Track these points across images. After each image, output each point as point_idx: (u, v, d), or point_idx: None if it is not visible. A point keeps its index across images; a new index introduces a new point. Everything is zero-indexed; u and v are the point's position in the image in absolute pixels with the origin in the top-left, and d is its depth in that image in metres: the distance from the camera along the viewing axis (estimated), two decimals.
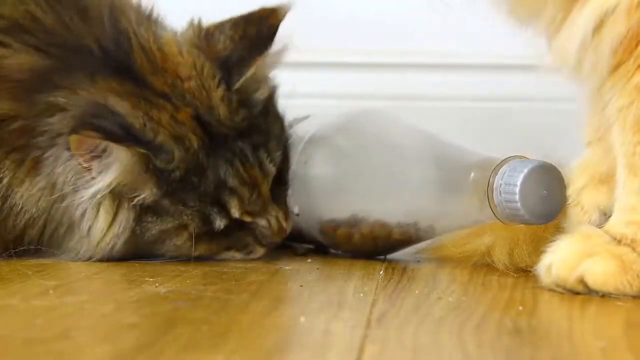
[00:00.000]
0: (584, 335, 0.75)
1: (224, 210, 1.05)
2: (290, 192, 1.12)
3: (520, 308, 0.84)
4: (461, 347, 0.70)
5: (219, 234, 1.06)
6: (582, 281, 0.86)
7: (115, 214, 1.03)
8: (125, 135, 1.00)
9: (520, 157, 0.98)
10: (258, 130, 1.08)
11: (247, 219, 1.07)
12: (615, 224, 0.87)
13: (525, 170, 0.96)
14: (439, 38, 1.43)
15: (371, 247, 1.10)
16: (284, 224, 1.09)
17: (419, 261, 1.10)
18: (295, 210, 1.12)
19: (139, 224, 1.03)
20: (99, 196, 1.01)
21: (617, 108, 0.84)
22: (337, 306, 0.84)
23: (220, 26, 1.09)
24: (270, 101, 1.11)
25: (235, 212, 1.05)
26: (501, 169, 0.97)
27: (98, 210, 1.02)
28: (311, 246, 1.17)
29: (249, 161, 1.06)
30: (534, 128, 1.37)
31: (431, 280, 0.98)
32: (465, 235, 1.06)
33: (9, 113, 1.03)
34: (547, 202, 0.96)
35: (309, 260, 1.10)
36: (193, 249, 1.05)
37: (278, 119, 1.12)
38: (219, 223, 1.05)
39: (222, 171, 1.05)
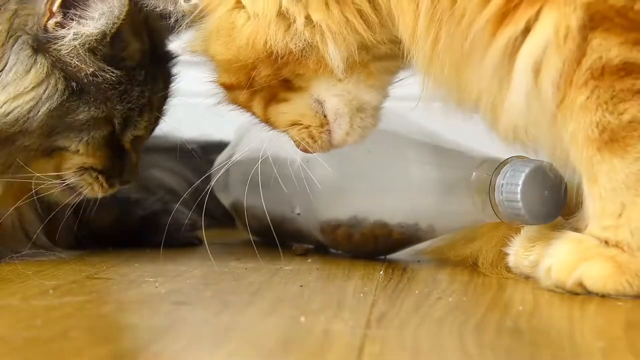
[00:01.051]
0: (584, 335, 0.75)
1: (135, 123, 1.03)
2: (291, 191, 1.12)
3: (520, 308, 0.84)
4: (461, 347, 0.70)
5: (110, 150, 1.03)
6: (581, 284, 0.86)
7: (47, 77, 0.97)
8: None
9: (522, 157, 0.99)
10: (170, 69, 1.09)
11: (128, 146, 1.05)
12: (593, 230, 0.88)
13: (527, 170, 0.96)
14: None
15: (372, 247, 1.10)
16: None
17: (419, 261, 1.10)
18: (296, 209, 1.12)
19: (68, 101, 0.98)
20: (78, 42, 0.97)
21: (569, 133, 0.86)
22: (337, 306, 0.84)
23: None
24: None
25: (140, 129, 1.04)
26: (503, 169, 0.98)
27: (30, 67, 0.97)
28: (311, 246, 1.17)
29: (166, 89, 1.07)
30: None
31: (431, 281, 0.98)
32: (460, 238, 1.06)
33: None
34: (549, 203, 0.96)
35: (309, 260, 1.10)
36: (92, 154, 1.01)
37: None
38: (130, 132, 1.03)
39: (156, 84, 1.05)
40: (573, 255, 0.87)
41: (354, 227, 1.09)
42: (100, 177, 1.04)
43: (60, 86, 0.98)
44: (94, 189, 1.05)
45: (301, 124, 0.97)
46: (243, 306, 0.84)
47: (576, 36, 0.83)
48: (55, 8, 0.97)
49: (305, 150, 0.98)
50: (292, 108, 0.96)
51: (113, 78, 1.00)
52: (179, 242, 1.18)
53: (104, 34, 0.98)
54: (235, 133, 1.24)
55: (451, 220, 1.04)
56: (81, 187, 1.04)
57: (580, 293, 0.87)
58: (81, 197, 1.05)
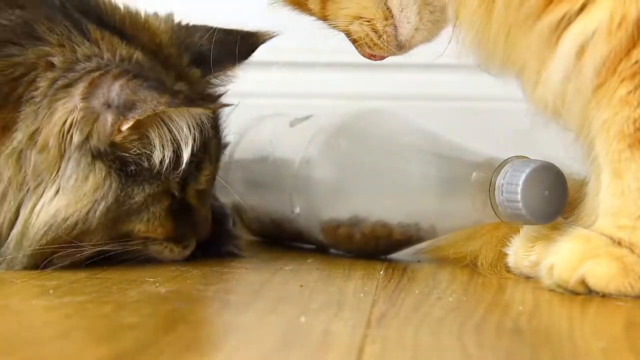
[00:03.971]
0: (585, 336, 0.75)
1: (196, 178, 1.02)
2: (291, 191, 1.12)
3: (520, 308, 0.84)
4: (461, 347, 0.70)
5: (175, 216, 1.02)
6: (583, 282, 0.86)
7: (104, 177, 0.97)
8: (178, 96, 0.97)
9: (522, 157, 0.99)
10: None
11: (194, 201, 1.04)
12: (605, 227, 0.87)
13: (527, 170, 0.96)
14: (439, 38, 1.43)
15: (373, 247, 1.10)
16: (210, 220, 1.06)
17: (419, 261, 1.10)
18: (297, 209, 1.12)
19: (124, 189, 0.98)
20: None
21: (602, 121, 0.85)
22: (337, 306, 0.84)
23: (194, 26, 1.08)
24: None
25: (202, 183, 1.03)
26: (503, 169, 0.98)
27: (89, 173, 0.97)
28: (312, 246, 1.17)
29: (219, 138, 1.06)
30: (529, 128, 1.37)
31: (431, 280, 0.98)
32: (460, 237, 1.06)
33: None
34: (549, 202, 0.96)
35: (309, 260, 1.10)
36: (159, 225, 1.01)
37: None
38: (192, 189, 1.02)
39: (211, 139, 1.04)
40: (578, 253, 0.87)
41: (354, 227, 1.09)
42: (168, 244, 1.04)
43: (115, 184, 0.98)
44: (167, 255, 1.04)
45: (363, 18, 0.91)
46: (243, 306, 0.84)
47: (630, 27, 0.82)
48: (124, 129, 0.96)
49: (369, 55, 0.92)
50: (353, 1, 0.91)
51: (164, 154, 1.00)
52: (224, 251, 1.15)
53: None
54: (236, 132, 1.24)
55: (452, 220, 1.04)
56: (155, 253, 1.04)
57: (581, 293, 0.86)
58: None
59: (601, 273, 0.85)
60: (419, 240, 1.09)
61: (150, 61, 1.01)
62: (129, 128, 0.96)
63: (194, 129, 0.97)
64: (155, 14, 1.08)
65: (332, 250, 1.15)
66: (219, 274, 0.99)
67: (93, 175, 0.97)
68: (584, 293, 0.86)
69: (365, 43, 0.92)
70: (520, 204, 0.96)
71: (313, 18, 0.94)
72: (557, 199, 0.96)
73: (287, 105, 1.14)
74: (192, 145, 0.98)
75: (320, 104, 1.20)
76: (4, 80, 0.97)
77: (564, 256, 0.88)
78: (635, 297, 0.85)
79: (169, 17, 1.08)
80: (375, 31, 0.91)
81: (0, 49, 0.97)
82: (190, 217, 1.04)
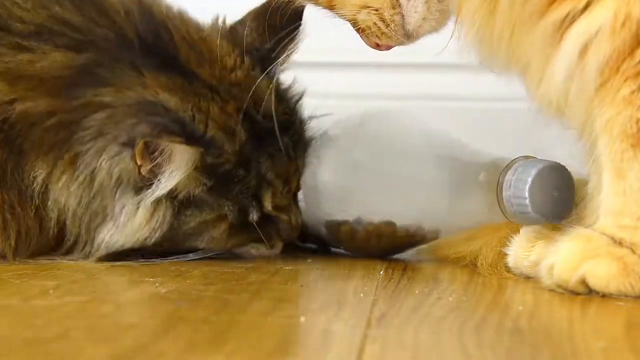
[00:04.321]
0: (585, 336, 0.75)
1: (259, 203, 1.05)
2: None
3: (520, 308, 0.84)
4: (461, 347, 0.70)
5: (249, 226, 1.06)
6: (583, 282, 0.86)
7: (154, 210, 1.02)
8: (186, 134, 0.99)
9: (530, 157, 0.99)
10: (293, 127, 1.09)
11: (275, 213, 1.07)
12: (607, 227, 0.87)
13: (536, 169, 0.96)
14: (438, 38, 1.43)
15: (376, 247, 1.10)
16: (299, 221, 1.10)
17: (419, 261, 1.10)
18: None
19: (177, 217, 1.03)
20: (158, 198, 1.01)
21: (605, 120, 0.85)
22: (337, 306, 0.84)
23: (240, 21, 1.09)
24: (299, 103, 1.12)
25: (268, 205, 1.06)
26: (512, 169, 0.98)
27: (137, 207, 1.02)
28: (314, 246, 1.17)
29: (288, 155, 1.07)
30: (534, 128, 1.37)
31: (431, 280, 0.98)
32: (461, 237, 1.06)
33: (46, 109, 1.01)
34: (556, 203, 0.96)
35: (309, 260, 1.10)
36: (226, 241, 1.05)
37: (305, 121, 1.13)
38: (254, 215, 1.05)
39: (264, 165, 1.05)
40: (578, 253, 0.87)
41: (359, 227, 1.09)
42: (255, 244, 1.08)
43: (168, 212, 1.02)
44: (254, 253, 1.09)
45: (370, 7, 0.91)
46: (243, 306, 0.84)
47: (634, 26, 0.81)
48: (139, 160, 1.00)
49: (376, 45, 0.92)
50: None
51: (209, 186, 1.03)
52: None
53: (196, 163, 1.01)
54: None
55: (458, 221, 1.04)
56: (242, 253, 1.09)
57: (581, 293, 0.86)
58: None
59: (602, 273, 0.85)
60: (424, 240, 1.09)
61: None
62: (141, 157, 0.99)
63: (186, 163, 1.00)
64: (210, 27, 1.09)
65: (334, 250, 1.15)
66: (219, 274, 0.99)
67: (143, 207, 1.02)
68: (584, 293, 0.86)
69: (373, 32, 0.91)
70: (527, 201, 0.96)
71: (318, 7, 0.94)
72: (565, 200, 0.96)
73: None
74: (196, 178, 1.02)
75: (324, 104, 1.20)
76: None
77: (564, 256, 0.87)
78: (635, 297, 0.85)
79: (216, 27, 1.09)
80: (383, 20, 0.90)
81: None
82: (272, 225, 1.08)
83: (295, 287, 0.92)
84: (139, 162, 1.00)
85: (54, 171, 1.02)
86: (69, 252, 1.04)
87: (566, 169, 0.97)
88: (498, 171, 0.99)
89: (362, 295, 0.88)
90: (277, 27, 1.06)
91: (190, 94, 1.02)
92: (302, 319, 0.77)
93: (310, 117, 1.14)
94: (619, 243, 0.86)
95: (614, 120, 0.84)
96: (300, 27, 1.07)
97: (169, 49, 1.04)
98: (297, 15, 1.06)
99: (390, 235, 1.08)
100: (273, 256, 1.09)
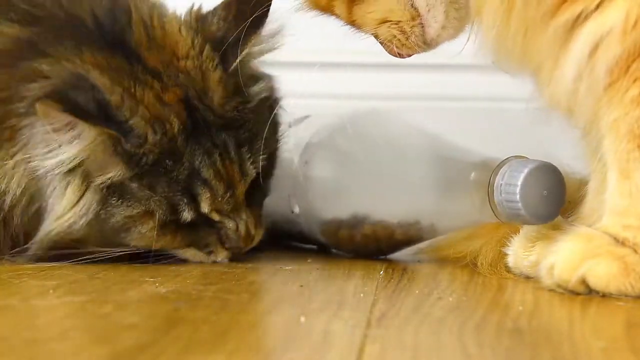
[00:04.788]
0: (585, 336, 0.75)
1: (194, 203, 1.01)
2: (290, 191, 1.11)
3: (520, 308, 0.84)
4: (461, 347, 0.70)
5: (184, 227, 1.02)
6: (584, 282, 0.86)
7: (82, 195, 0.99)
8: (97, 113, 0.97)
9: (521, 157, 0.99)
10: (246, 127, 1.05)
11: (216, 217, 1.03)
12: (610, 226, 0.87)
13: (526, 170, 0.96)
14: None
15: (374, 248, 1.10)
16: (253, 231, 1.05)
17: (419, 261, 1.10)
18: (296, 209, 1.12)
19: (103, 207, 1.00)
20: (62, 168, 0.98)
21: (612, 119, 0.85)
22: (337, 306, 0.84)
23: (213, 10, 1.06)
24: (268, 103, 1.08)
25: (205, 207, 1.02)
26: (502, 169, 0.98)
27: (66, 188, 0.99)
28: (313, 246, 1.17)
29: (230, 156, 1.03)
30: (534, 128, 1.37)
31: (431, 280, 0.98)
32: (461, 237, 1.06)
33: None
34: (547, 202, 0.96)
35: (309, 260, 1.10)
36: (155, 240, 1.01)
37: (273, 124, 1.08)
38: (186, 215, 1.01)
39: (198, 160, 1.01)
40: (579, 252, 0.86)
41: (355, 227, 1.09)
42: (188, 249, 1.05)
43: (95, 198, 1.00)
44: (191, 258, 1.06)
45: (390, 21, 0.91)
46: (243, 306, 0.84)
47: None
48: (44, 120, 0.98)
49: (398, 54, 0.93)
50: (379, 5, 0.91)
51: (133, 176, 1.00)
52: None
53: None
54: None
55: (452, 220, 1.04)
56: (179, 256, 1.06)
57: (581, 293, 0.86)
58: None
59: (602, 272, 0.85)
60: (420, 239, 1.09)
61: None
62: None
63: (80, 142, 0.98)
64: (177, 15, 1.07)
65: (333, 250, 1.15)
66: (219, 274, 0.99)
67: (71, 189, 1.00)
68: (585, 293, 0.86)
69: (394, 44, 0.92)
70: (519, 204, 0.96)
71: (340, 22, 0.94)
72: (555, 199, 0.96)
73: (286, 105, 1.14)
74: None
75: (319, 104, 1.20)
76: None
77: (564, 256, 0.87)
78: (635, 297, 0.85)
79: (186, 16, 1.07)
80: (403, 32, 0.91)
81: None
82: (213, 230, 1.04)
83: (295, 287, 0.92)
84: (41, 119, 0.97)
85: None
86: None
87: (556, 168, 0.97)
88: (490, 170, 0.98)
89: (362, 295, 0.88)
90: (246, 16, 1.03)
91: (126, 77, 1.00)
92: (302, 319, 0.77)
93: (296, 121, 1.12)
94: (622, 243, 0.86)
95: (621, 121, 0.84)
96: (266, 18, 1.04)
97: (121, 30, 1.02)
98: (263, 5, 1.03)
99: (388, 237, 1.08)
100: (273, 256, 1.09)
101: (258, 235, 1.06)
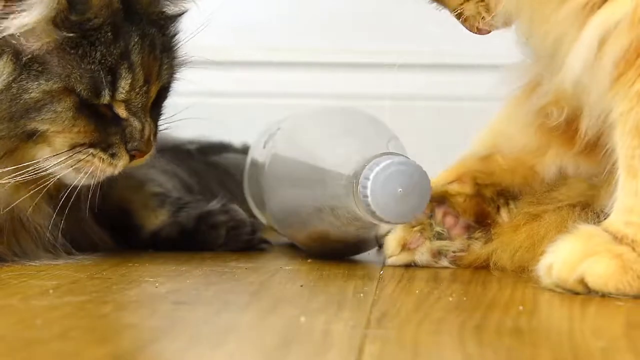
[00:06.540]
0: (584, 335, 0.75)
1: (113, 87, 1.00)
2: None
3: (520, 308, 0.84)
4: (461, 347, 0.70)
5: (94, 120, 1.00)
6: (582, 281, 0.86)
7: None
8: None
9: (396, 154, 0.96)
10: (165, 37, 1.06)
11: (124, 114, 1.01)
12: (614, 222, 0.87)
13: (382, 165, 0.95)
14: (437, 38, 1.43)
15: (328, 250, 1.09)
16: (152, 137, 1.03)
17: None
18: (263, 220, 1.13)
19: (18, 81, 0.97)
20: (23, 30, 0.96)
21: (618, 113, 0.85)
22: (337, 306, 0.84)
23: None
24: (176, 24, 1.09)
25: (122, 93, 1.00)
26: (370, 163, 0.95)
27: None
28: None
29: (155, 52, 1.03)
30: None
31: (431, 280, 0.98)
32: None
33: None
34: (402, 201, 0.95)
35: (309, 260, 1.10)
36: (71, 126, 0.99)
37: (178, 44, 1.08)
38: (105, 96, 0.99)
39: (132, 43, 1.01)
40: (578, 251, 0.86)
41: (300, 233, 1.08)
42: (94, 151, 1.01)
43: (7, 67, 0.97)
44: (97, 165, 1.01)
45: None
46: (243, 306, 0.84)
47: None
48: None
49: (478, 29, 0.95)
50: None
51: (68, 43, 0.98)
52: (240, 244, 1.15)
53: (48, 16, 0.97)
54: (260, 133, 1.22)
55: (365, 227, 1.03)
56: (85, 167, 1.01)
57: (580, 292, 0.86)
58: (93, 179, 1.02)
59: (600, 271, 0.85)
60: (359, 242, 1.08)
61: None
62: None
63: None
64: None
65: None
66: (219, 274, 0.99)
67: None
68: (584, 292, 0.86)
69: (477, 20, 0.94)
70: (368, 199, 0.94)
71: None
72: (412, 200, 0.95)
73: (286, 105, 1.14)
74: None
75: (317, 104, 1.20)
76: None
77: (563, 255, 0.87)
78: (634, 296, 0.85)
79: None
80: (489, 10, 0.94)
81: None
82: (119, 127, 1.01)
83: (295, 287, 0.92)
84: None
85: None
86: None
87: (418, 167, 0.95)
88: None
89: (362, 295, 0.88)
90: None
91: None
92: (302, 319, 0.77)
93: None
94: (620, 240, 0.86)
95: (626, 115, 0.84)
96: None
97: None
98: None
99: (325, 240, 1.06)
100: (272, 256, 1.09)
101: (154, 143, 1.05)
